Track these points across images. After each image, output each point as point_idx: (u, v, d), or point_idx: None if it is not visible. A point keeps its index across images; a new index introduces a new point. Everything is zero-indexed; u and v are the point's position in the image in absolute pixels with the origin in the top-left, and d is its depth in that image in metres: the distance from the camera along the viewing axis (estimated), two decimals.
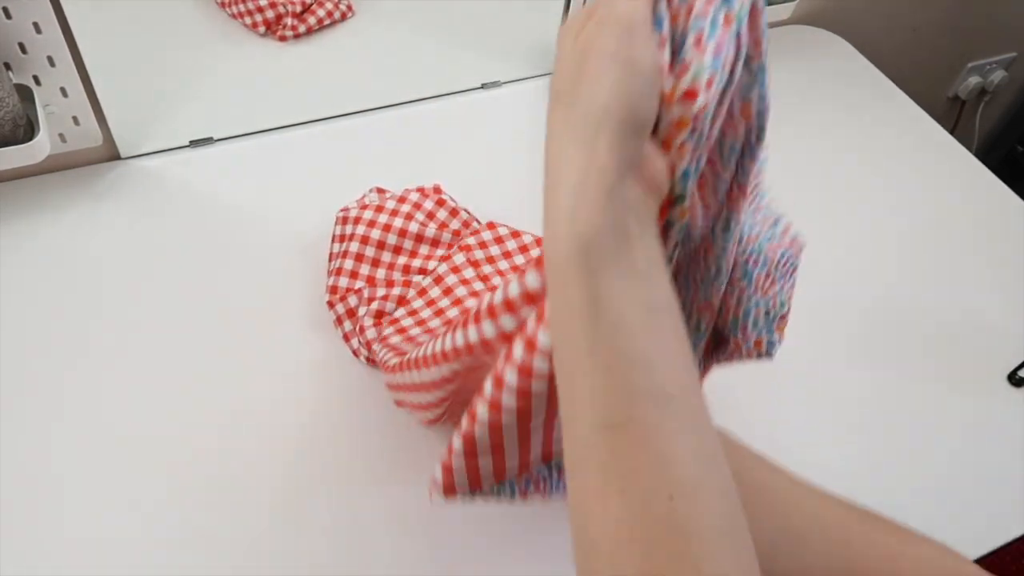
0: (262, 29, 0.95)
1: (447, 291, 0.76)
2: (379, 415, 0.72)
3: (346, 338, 0.76)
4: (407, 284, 0.76)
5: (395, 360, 0.64)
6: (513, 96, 1.05)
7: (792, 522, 0.41)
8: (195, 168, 0.91)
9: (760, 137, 0.44)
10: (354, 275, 0.78)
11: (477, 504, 0.52)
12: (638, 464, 0.31)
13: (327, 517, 0.66)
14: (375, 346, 0.71)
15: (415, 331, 0.72)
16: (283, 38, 0.96)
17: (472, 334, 0.50)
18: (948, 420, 0.78)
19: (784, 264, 0.56)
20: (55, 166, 0.87)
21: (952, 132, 1.12)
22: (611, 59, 0.35)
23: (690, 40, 0.38)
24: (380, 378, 0.73)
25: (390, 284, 0.77)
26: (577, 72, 0.36)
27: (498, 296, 0.48)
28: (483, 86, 1.05)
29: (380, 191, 0.86)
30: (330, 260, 0.81)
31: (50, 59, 0.77)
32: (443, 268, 0.77)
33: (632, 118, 0.35)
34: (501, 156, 0.96)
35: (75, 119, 0.83)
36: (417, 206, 0.82)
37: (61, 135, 0.84)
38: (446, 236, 0.81)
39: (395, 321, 0.74)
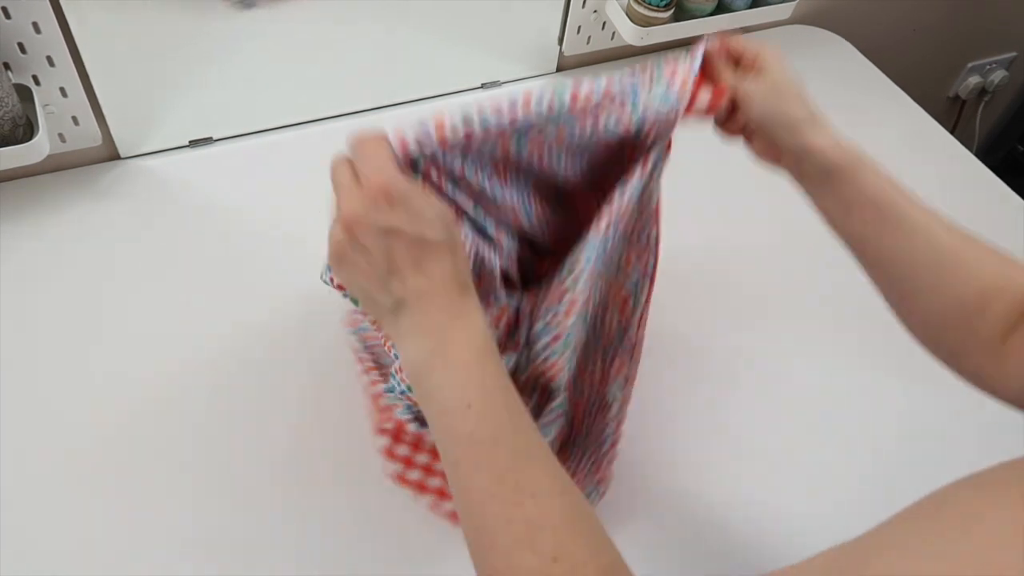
0: None
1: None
2: None
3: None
4: None
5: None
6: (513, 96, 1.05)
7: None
8: (195, 168, 0.91)
9: None
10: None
11: None
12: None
13: (334, 514, 0.66)
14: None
15: None
16: None
17: None
18: (948, 420, 0.78)
19: None
20: (55, 166, 0.87)
21: (952, 132, 1.11)
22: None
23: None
24: None
25: None
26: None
27: None
28: (483, 86, 1.05)
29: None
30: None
31: (50, 59, 0.77)
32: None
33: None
34: None
35: (75, 119, 0.83)
36: None
37: (61, 135, 0.84)
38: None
39: None
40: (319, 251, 0.83)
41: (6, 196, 0.85)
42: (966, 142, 1.12)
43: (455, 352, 0.44)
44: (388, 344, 0.64)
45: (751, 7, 1.04)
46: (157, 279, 0.81)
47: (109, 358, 0.74)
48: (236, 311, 0.79)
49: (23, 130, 0.77)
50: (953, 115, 1.59)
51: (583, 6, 1.01)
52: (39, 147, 0.77)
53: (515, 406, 0.45)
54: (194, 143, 0.93)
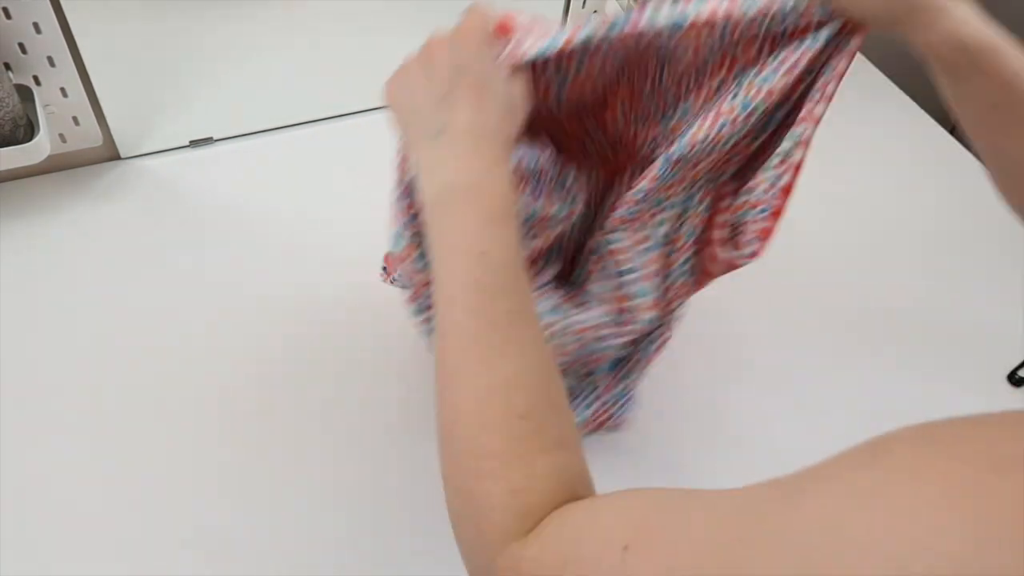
0: None
1: None
2: (381, 413, 0.73)
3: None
4: None
5: None
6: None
7: None
8: (195, 168, 0.91)
9: None
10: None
11: None
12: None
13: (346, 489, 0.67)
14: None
15: None
16: None
17: None
18: None
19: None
20: (55, 166, 0.87)
21: (952, 132, 1.11)
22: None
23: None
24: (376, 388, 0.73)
25: None
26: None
27: None
28: None
29: None
30: None
31: (50, 59, 0.77)
32: None
33: None
34: None
35: (75, 119, 0.83)
36: None
37: (61, 135, 0.84)
38: None
39: None
40: (318, 251, 0.83)
41: (6, 196, 0.85)
42: (966, 142, 1.12)
43: (484, 199, 0.44)
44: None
45: None
46: (157, 279, 0.81)
47: (109, 357, 0.74)
48: (236, 310, 0.79)
49: (24, 130, 0.77)
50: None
51: (583, 6, 1.01)
52: (40, 147, 0.77)
53: (523, 270, 0.44)
54: (194, 143, 0.93)
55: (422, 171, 0.47)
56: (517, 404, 0.40)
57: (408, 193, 0.55)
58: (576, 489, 0.40)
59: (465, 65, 0.47)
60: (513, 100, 0.48)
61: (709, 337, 0.81)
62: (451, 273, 0.44)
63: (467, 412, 0.41)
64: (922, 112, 1.12)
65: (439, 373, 0.43)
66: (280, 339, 0.77)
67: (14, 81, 0.76)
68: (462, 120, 0.46)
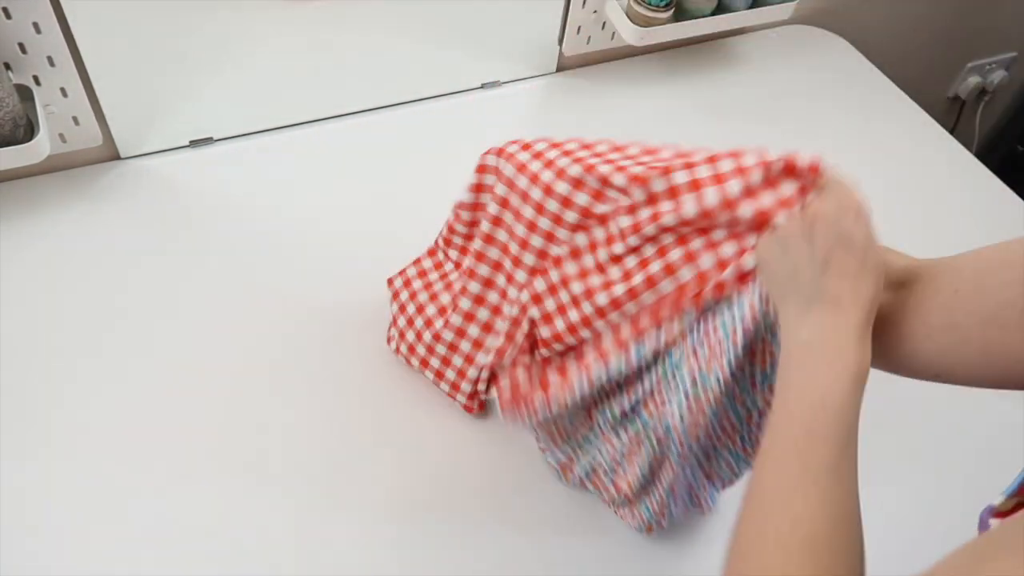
0: None
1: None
2: (378, 405, 0.73)
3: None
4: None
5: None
6: (513, 96, 1.05)
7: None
8: (195, 168, 0.91)
9: None
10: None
11: None
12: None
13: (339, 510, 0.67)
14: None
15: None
16: None
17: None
18: (947, 420, 0.78)
19: None
20: (55, 166, 0.87)
21: (952, 132, 1.11)
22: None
23: None
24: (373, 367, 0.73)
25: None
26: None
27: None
28: (483, 86, 1.05)
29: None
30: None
31: (50, 59, 0.77)
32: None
33: None
34: None
35: (75, 119, 0.83)
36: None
37: (61, 135, 0.84)
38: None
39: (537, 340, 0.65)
40: (319, 250, 0.83)
41: (6, 196, 0.85)
42: (966, 142, 1.13)
43: (839, 361, 0.48)
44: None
45: (751, 7, 1.05)
46: (157, 279, 0.81)
47: (109, 357, 0.74)
48: (235, 310, 0.79)
49: (24, 130, 0.77)
50: (953, 115, 1.59)
51: (583, 6, 1.01)
52: (40, 147, 0.77)
53: (853, 426, 0.48)
54: (194, 143, 0.93)
55: (788, 325, 0.50)
56: (797, 533, 0.44)
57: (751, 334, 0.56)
58: None
59: (848, 236, 0.49)
60: (882, 269, 0.51)
61: None
62: (788, 413, 0.48)
63: (751, 521, 0.46)
64: (922, 112, 1.12)
65: (751, 482, 0.48)
66: (280, 338, 0.77)
67: (14, 81, 0.77)
68: (839, 291, 0.48)
